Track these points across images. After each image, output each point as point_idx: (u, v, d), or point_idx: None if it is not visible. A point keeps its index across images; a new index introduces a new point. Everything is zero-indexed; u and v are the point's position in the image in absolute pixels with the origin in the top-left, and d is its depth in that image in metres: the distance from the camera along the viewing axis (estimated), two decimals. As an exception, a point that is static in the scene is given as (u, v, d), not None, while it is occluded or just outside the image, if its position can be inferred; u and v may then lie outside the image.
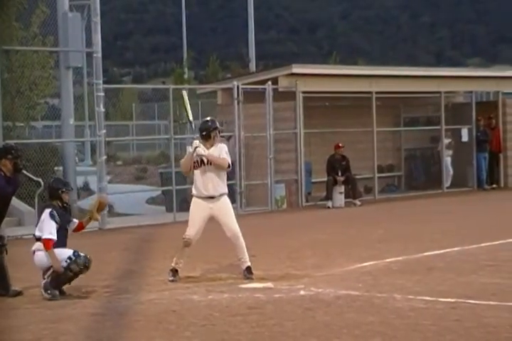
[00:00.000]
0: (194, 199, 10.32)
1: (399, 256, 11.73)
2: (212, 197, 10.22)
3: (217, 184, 10.24)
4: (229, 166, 10.32)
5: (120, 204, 19.52)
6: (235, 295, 9.19)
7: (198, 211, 10.23)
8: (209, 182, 10.20)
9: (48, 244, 9.34)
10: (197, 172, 10.26)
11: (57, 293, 9.35)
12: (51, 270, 9.38)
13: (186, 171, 10.43)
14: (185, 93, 10.82)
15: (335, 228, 15.84)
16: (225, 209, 10.32)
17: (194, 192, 10.31)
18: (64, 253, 9.39)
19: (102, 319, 8.24)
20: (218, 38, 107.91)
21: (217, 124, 10.53)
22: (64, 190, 9.62)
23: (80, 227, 9.88)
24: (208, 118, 10.65)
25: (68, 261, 9.31)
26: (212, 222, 10.28)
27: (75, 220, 9.87)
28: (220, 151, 10.28)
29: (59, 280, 9.38)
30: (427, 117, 24.14)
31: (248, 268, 10.28)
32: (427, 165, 23.91)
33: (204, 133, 10.32)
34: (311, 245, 13.24)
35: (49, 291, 9.32)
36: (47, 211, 9.49)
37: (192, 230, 10.23)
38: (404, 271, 10.52)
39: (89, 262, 9.42)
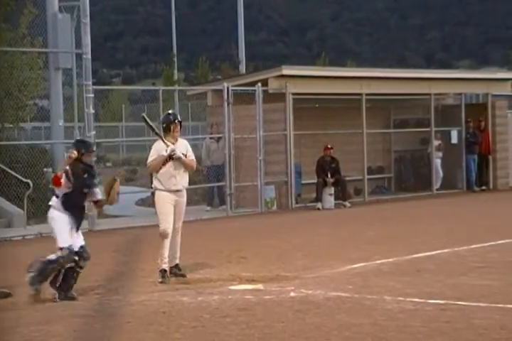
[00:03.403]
0: (161, 193, 10.48)
1: (389, 257, 11.74)
2: (179, 191, 10.51)
3: (184, 177, 10.57)
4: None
5: (110, 206, 19.44)
6: (224, 296, 9.18)
7: (168, 204, 10.45)
8: (177, 176, 10.47)
9: (55, 179, 9.25)
10: (164, 167, 10.42)
11: (39, 287, 9.23)
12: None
13: (155, 171, 10.54)
14: (145, 115, 10.86)
15: (325, 230, 15.84)
16: (184, 202, 10.65)
17: (160, 186, 10.47)
18: (63, 242, 9.30)
19: (91, 320, 8.22)
20: (208, 39, 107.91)
21: (179, 118, 10.71)
22: (83, 152, 9.42)
23: (96, 203, 9.77)
24: (170, 112, 10.95)
25: (59, 253, 9.22)
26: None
27: (97, 191, 9.57)
28: (187, 149, 10.60)
29: (44, 272, 9.27)
30: (416, 119, 24.18)
31: (177, 265, 10.54)
32: (417, 166, 23.94)
33: (165, 125, 10.57)
34: (301, 247, 13.24)
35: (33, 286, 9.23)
36: (63, 179, 9.27)
37: (166, 223, 10.42)
38: (394, 273, 10.52)
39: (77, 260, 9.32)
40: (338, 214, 19.06)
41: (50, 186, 9.37)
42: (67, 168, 9.30)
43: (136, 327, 7.84)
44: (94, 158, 9.96)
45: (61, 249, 9.28)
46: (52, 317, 8.38)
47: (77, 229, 9.49)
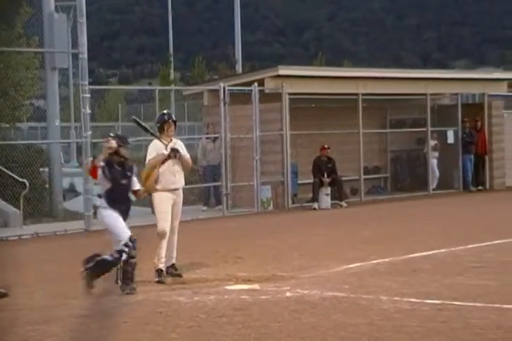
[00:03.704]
0: (159, 193, 10.49)
1: (385, 257, 11.74)
2: (177, 189, 10.56)
3: (181, 176, 10.62)
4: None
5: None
6: (221, 296, 9.18)
7: (166, 204, 10.49)
8: (176, 175, 10.52)
9: (92, 170, 9.48)
10: (163, 166, 10.44)
11: (134, 285, 9.46)
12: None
13: (153, 169, 10.53)
14: (135, 118, 10.90)
15: (321, 229, 15.84)
16: (181, 202, 10.69)
17: (158, 186, 10.46)
18: (123, 234, 9.47)
19: (88, 320, 8.21)
20: (205, 39, 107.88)
21: (173, 117, 10.76)
22: (121, 144, 9.68)
23: (135, 193, 9.97)
24: (165, 111, 10.99)
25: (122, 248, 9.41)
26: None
27: (135, 180, 9.86)
28: (182, 148, 10.62)
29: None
30: (413, 119, 24.18)
31: (174, 265, 10.56)
32: (413, 166, 23.95)
33: (158, 125, 10.62)
34: (297, 246, 13.24)
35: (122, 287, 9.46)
36: (99, 171, 9.56)
37: (164, 223, 10.45)
38: (391, 273, 10.53)
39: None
40: (335, 214, 19.06)
41: (87, 175, 9.89)
42: (102, 163, 9.52)
43: (133, 327, 7.84)
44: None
45: (126, 245, 9.48)
46: (48, 317, 8.37)
47: (124, 220, 9.68)
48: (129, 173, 9.74)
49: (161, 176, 10.44)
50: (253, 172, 19.44)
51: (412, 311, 8.21)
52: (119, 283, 9.61)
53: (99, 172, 9.54)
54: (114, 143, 9.61)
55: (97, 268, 9.55)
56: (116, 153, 9.63)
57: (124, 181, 9.66)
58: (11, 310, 8.88)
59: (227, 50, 41.58)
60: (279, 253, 12.58)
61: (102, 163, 9.52)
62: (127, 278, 9.52)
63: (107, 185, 9.59)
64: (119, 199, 9.62)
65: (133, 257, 9.53)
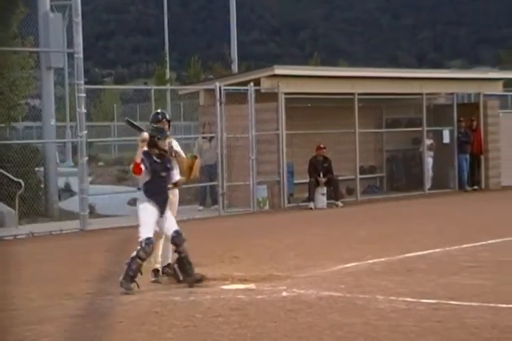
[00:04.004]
0: None
1: (381, 257, 11.74)
2: (172, 188, 10.51)
3: (177, 174, 10.57)
4: None
5: (101, 206, 19.43)
6: (217, 296, 9.18)
7: None
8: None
9: (136, 167, 9.59)
10: None
11: (131, 285, 9.51)
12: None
13: None
14: (128, 119, 10.91)
15: (317, 229, 15.84)
16: (177, 201, 10.67)
17: None
18: (144, 232, 9.56)
19: (83, 320, 8.20)
20: (200, 38, 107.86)
21: (168, 116, 10.78)
22: (159, 137, 9.79)
23: (175, 184, 10.21)
24: (158, 111, 11.01)
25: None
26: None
27: (176, 172, 10.07)
28: (178, 148, 10.59)
29: (131, 271, 9.54)
30: (408, 119, 24.21)
31: (169, 265, 10.51)
32: (409, 166, 23.96)
33: (153, 124, 10.58)
34: (293, 246, 13.24)
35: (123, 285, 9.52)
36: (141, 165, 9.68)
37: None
38: (387, 272, 10.53)
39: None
40: (331, 213, 19.07)
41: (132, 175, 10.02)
42: (142, 156, 9.63)
43: (128, 327, 7.83)
44: (172, 142, 10.22)
45: (140, 243, 9.56)
46: (43, 317, 8.35)
47: (162, 213, 9.73)
48: (168, 165, 9.87)
49: None
50: (249, 172, 19.44)
51: (407, 311, 8.22)
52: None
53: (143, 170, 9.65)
54: (146, 135, 9.70)
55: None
56: (155, 145, 9.76)
57: (163, 173, 9.79)
58: (6, 310, 8.87)
59: (222, 49, 41.61)
60: (275, 252, 12.57)
61: (141, 156, 9.62)
62: (127, 275, 9.54)
63: (146, 178, 9.71)
64: (157, 191, 9.72)
65: (140, 258, 9.56)
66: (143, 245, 9.55)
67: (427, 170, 23.26)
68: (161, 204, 9.75)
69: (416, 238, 13.78)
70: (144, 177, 9.72)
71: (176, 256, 9.83)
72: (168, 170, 9.87)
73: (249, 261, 11.79)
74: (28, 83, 19.47)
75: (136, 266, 9.56)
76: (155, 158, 9.75)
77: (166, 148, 9.91)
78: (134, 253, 9.58)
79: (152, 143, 9.78)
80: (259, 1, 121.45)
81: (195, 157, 10.53)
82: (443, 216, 17.73)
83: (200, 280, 9.76)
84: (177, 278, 9.90)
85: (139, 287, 9.54)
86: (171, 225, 9.82)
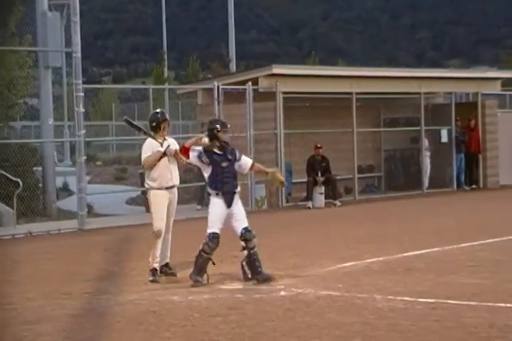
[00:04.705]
0: (156, 192, 10.47)
1: (379, 256, 11.74)
2: (173, 187, 10.54)
3: (176, 174, 10.59)
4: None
5: (100, 205, 19.44)
6: (215, 295, 9.17)
7: (162, 202, 10.46)
8: (172, 173, 10.51)
9: (183, 149, 9.79)
10: (158, 165, 10.43)
11: (199, 278, 9.63)
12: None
13: (150, 167, 10.51)
14: (127, 118, 10.90)
15: (315, 229, 15.84)
16: (176, 200, 10.67)
17: (154, 184, 10.46)
18: (210, 227, 9.76)
19: (81, 320, 8.20)
20: (198, 38, 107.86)
21: (167, 116, 10.78)
22: (219, 129, 9.87)
23: (252, 168, 10.28)
24: (158, 110, 10.97)
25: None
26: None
27: (245, 159, 10.12)
28: (177, 147, 10.56)
29: (199, 264, 9.66)
30: (406, 118, 24.20)
31: (168, 264, 10.57)
32: (407, 165, 23.97)
33: (154, 124, 10.56)
34: (291, 245, 13.24)
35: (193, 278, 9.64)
36: (194, 154, 9.81)
37: (161, 222, 10.42)
38: (385, 272, 10.53)
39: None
40: (329, 213, 19.07)
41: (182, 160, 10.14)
42: (200, 149, 9.80)
43: (126, 327, 7.83)
44: (229, 135, 10.21)
45: (207, 237, 9.71)
46: (42, 317, 8.35)
47: (230, 205, 9.85)
48: (230, 157, 9.93)
49: (157, 174, 10.42)
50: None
51: (405, 310, 8.22)
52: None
53: (197, 158, 9.76)
54: (206, 141, 9.87)
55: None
56: (216, 137, 9.86)
57: (224, 164, 9.86)
58: (4, 310, 8.86)
59: (221, 49, 41.59)
60: (273, 252, 12.56)
61: (199, 149, 9.76)
62: (195, 268, 9.68)
63: (208, 171, 9.83)
64: (220, 182, 9.80)
65: (205, 252, 9.67)
66: (207, 240, 9.67)
67: (426, 169, 23.27)
68: (227, 196, 9.83)
69: (414, 237, 13.79)
70: (206, 171, 9.82)
71: (246, 253, 9.83)
72: (230, 160, 9.92)
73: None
74: (26, 82, 19.45)
75: (202, 259, 9.67)
76: (216, 150, 9.84)
77: (228, 139, 10.00)
78: (200, 247, 9.69)
79: (213, 135, 9.88)
80: (257, 1, 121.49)
81: (274, 172, 10.46)
82: (441, 215, 17.73)
83: (269, 279, 9.73)
84: (245, 277, 9.84)
85: (208, 281, 9.66)
86: (240, 222, 9.87)
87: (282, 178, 10.50)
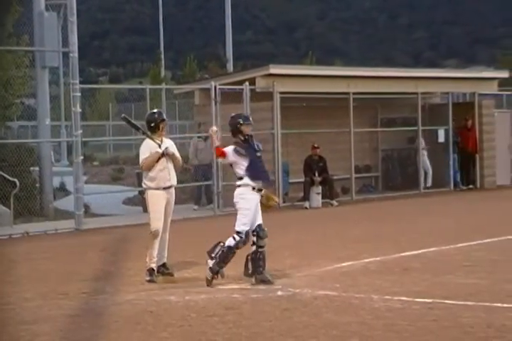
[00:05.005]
0: (153, 192, 10.48)
1: (376, 256, 11.75)
2: (170, 187, 10.55)
3: (174, 174, 10.63)
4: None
5: (97, 205, 19.43)
6: (212, 295, 9.18)
7: (160, 203, 10.46)
8: (170, 173, 10.53)
9: (218, 151, 9.84)
10: (156, 165, 10.45)
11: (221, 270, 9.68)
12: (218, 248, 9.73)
13: (149, 168, 10.50)
14: (125, 116, 10.91)
15: (312, 228, 15.85)
16: (173, 200, 10.68)
17: (151, 184, 10.47)
18: (242, 225, 9.78)
19: (78, 320, 8.20)
20: (196, 38, 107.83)
21: (164, 116, 10.77)
22: (242, 122, 9.92)
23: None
24: (155, 110, 11.02)
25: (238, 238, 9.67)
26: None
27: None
28: (174, 148, 10.63)
29: (226, 259, 9.71)
30: (403, 118, 24.21)
31: (165, 264, 10.57)
32: (404, 165, 23.98)
33: (152, 124, 10.57)
34: (288, 245, 13.23)
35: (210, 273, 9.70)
36: (229, 150, 9.82)
37: (158, 222, 10.42)
38: (382, 272, 10.54)
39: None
40: (326, 213, 19.07)
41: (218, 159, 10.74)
42: (233, 149, 9.83)
43: (124, 326, 7.83)
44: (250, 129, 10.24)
45: (238, 232, 9.72)
46: (39, 317, 8.35)
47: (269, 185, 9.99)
48: (257, 147, 10.00)
49: (155, 174, 10.42)
50: (244, 171, 19.39)
51: (402, 310, 8.22)
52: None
53: (233, 153, 9.80)
54: (214, 128, 10.04)
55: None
56: (239, 132, 9.90)
57: (258, 154, 9.94)
58: (1, 310, 8.86)
59: (218, 49, 41.64)
60: (270, 252, 12.50)
61: (232, 147, 9.79)
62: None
63: (245, 163, 9.79)
64: (260, 171, 9.86)
65: (238, 248, 9.68)
66: (243, 237, 9.67)
67: (427, 169, 23.31)
68: (267, 182, 9.93)
69: (411, 237, 13.80)
70: (243, 164, 9.80)
71: (254, 249, 9.81)
72: (260, 150, 9.99)
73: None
74: (23, 82, 19.45)
75: (230, 257, 9.68)
76: (244, 144, 9.85)
77: (251, 133, 10.00)
78: (233, 243, 9.65)
79: (236, 129, 9.91)
80: (254, 1, 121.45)
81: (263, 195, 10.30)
82: (438, 215, 17.74)
83: (267, 281, 9.71)
84: (245, 270, 9.85)
85: (223, 277, 9.70)
86: (256, 217, 9.93)
87: (276, 198, 10.41)
